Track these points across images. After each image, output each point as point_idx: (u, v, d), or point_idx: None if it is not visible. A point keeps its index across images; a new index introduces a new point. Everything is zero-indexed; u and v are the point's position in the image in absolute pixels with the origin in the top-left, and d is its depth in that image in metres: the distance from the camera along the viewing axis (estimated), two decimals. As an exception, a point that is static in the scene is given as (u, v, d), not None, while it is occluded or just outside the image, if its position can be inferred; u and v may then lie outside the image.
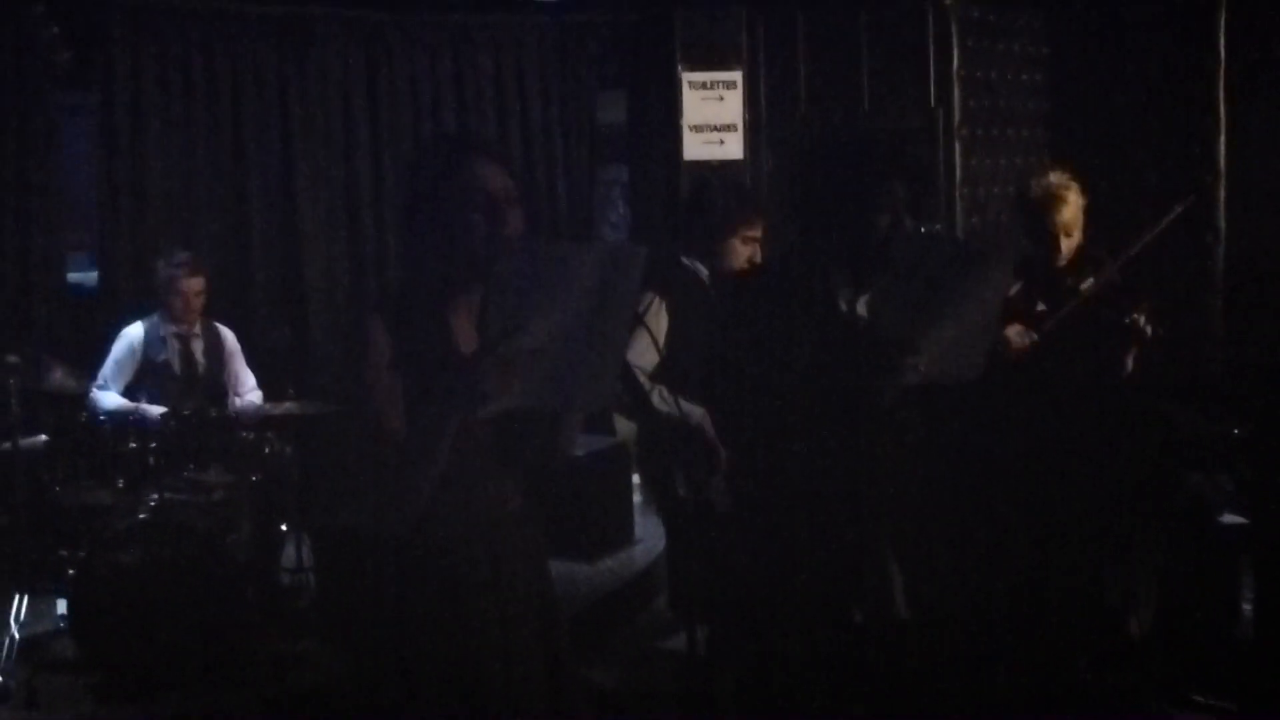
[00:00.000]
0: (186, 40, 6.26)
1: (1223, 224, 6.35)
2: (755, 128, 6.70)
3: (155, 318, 5.28)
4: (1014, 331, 3.98)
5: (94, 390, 5.14)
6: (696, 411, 3.77)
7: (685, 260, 4.08)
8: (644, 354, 3.67)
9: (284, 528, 5.00)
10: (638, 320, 2.86)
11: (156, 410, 4.93)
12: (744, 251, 4.00)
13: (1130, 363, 4.05)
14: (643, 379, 3.68)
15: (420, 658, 2.44)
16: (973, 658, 4.13)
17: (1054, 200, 4.08)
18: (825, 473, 3.27)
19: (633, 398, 3.86)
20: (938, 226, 5.82)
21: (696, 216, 4.09)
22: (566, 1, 6.61)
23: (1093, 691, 4.13)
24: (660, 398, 3.74)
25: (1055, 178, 4.15)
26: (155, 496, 4.56)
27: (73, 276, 6.39)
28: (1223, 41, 6.28)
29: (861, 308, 3.25)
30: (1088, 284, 4.00)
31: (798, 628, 3.53)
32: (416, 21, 6.73)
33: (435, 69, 6.82)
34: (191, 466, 4.70)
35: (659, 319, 3.90)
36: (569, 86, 7.06)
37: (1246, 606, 4.59)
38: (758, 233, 4.03)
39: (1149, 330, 3.93)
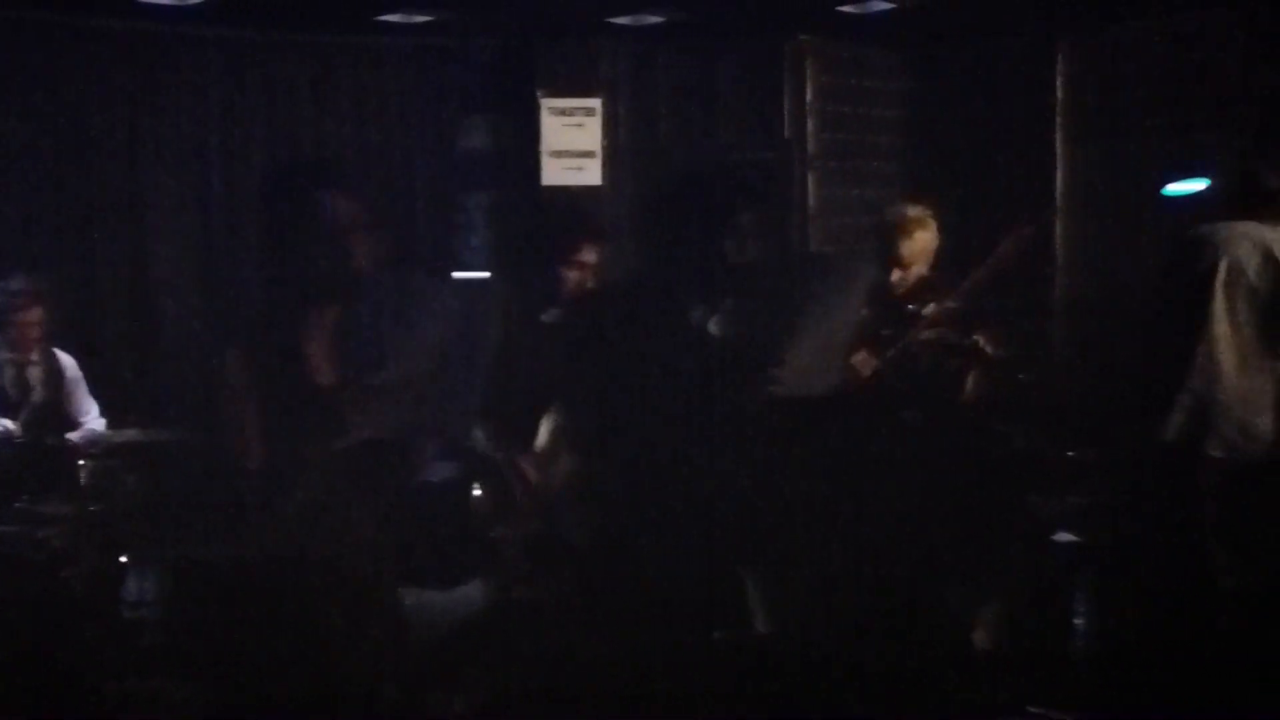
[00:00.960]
0: (30, 54, 6.07)
1: (1060, 255, 6.62)
2: (615, 155, 6.76)
3: (-9, 344, 5.12)
4: (858, 358, 4.09)
5: None
6: (518, 460, 3.75)
7: (548, 286, 4.04)
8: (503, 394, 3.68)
9: (124, 560, 4.86)
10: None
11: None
12: (572, 277, 3.98)
13: (971, 383, 4.20)
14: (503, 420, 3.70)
15: (274, 684, 2.41)
16: (825, 671, 4.22)
17: (904, 229, 4.23)
18: (680, 489, 3.33)
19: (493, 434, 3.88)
20: (789, 253, 5.95)
21: (552, 238, 4.08)
22: (427, 25, 6.58)
23: (938, 704, 4.23)
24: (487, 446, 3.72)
25: (908, 208, 4.30)
26: (-10, 528, 4.42)
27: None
28: (1060, 83, 6.57)
29: (713, 327, 3.33)
30: (930, 309, 4.14)
31: (658, 648, 3.56)
32: (270, 39, 6.62)
33: (293, 90, 6.72)
34: (26, 497, 4.56)
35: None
36: (429, 111, 7.02)
37: (1080, 621, 4.77)
38: (590, 258, 4.02)
39: (989, 350, 4.09)
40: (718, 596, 3.60)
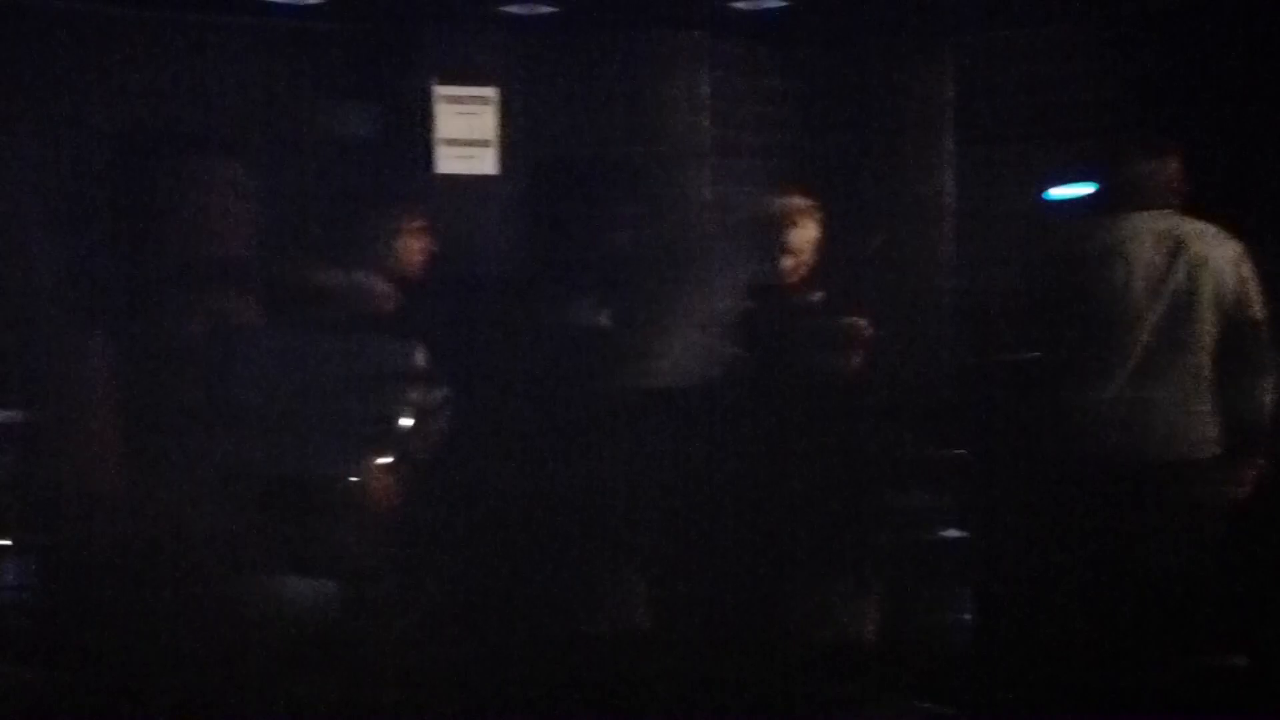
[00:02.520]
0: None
1: (950, 256, 6.76)
2: (510, 144, 6.72)
3: None
4: (739, 349, 4.11)
5: None
6: (371, 464, 3.66)
7: (362, 279, 3.92)
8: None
9: (6, 543, 4.70)
10: None
11: None
12: (415, 245, 3.88)
13: (856, 363, 4.25)
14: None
15: (148, 669, 2.36)
16: (702, 669, 4.24)
17: (787, 218, 4.27)
18: (561, 481, 3.32)
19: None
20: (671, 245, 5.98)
21: (360, 227, 3.96)
22: (313, 8, 6.46)
23: (821, 702, 4.28)
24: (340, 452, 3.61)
25: (791, 197, 4.34)
26: None
27: None
28: (952, 86, 6.71)
29: (605, 319, 3.33)
30: (815, 297, 4.19)
31: (537, 641, 3.55)
32: (150, 17, 6.44)
33: (171, 71, 6.54)
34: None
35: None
36: (315, 96, 6.90)
37: (966, 616, 4.86)
38: (423, 223, 3.93)
39: (868, 330, 4.15)
40: (585, 592, 3.60)
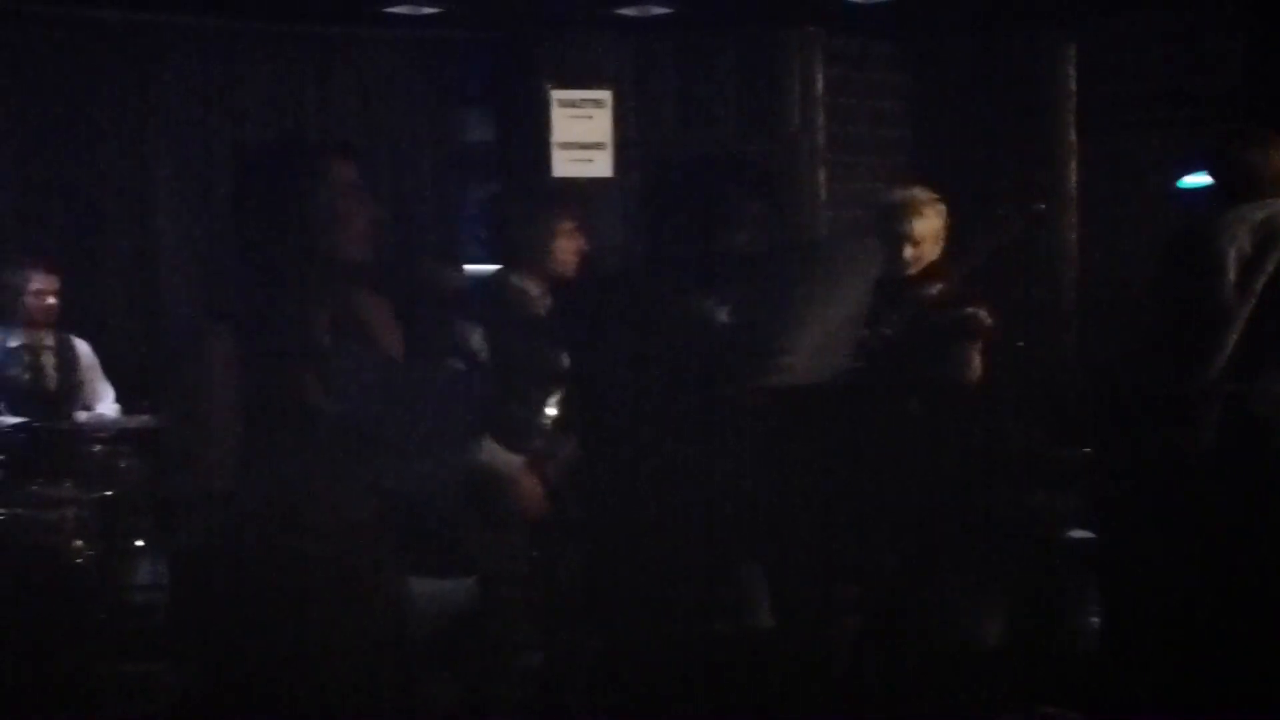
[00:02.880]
0: (38, 44, 6.09)
1: (1075, 250, 6.62)
2: (624, 146, 6.76)
3: (4, 330, 5.13)
4: (864, 344, 4.08)
5: None
6: (515, 462, 3.69)
7: (514, 281, 3.99)
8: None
9: (140, 544, 4.88)
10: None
11: (11, 420, 4.80)
12: (569, 245, 3.89)
13: (976, 361, 4.18)
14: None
15: (272, 671, 2.41)
16: (827, 669, 4.22)
17: (910, 210, 4.21)
18: (687, 478, 3.32)
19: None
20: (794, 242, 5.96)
21: (515, 228, 3.97)
22: (432, 16, 6.59)
23: (946, 704, 4.23)
24: (484, 449, 3.65)
25: (914, 189, 4.29)
26: (3, 513, 4.44)
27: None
28: (1074, 75, 6.57)
29: (721, 317, 3.32)
30: (936, 289, 4.13)
31: (660, 642, 3.56)
32: (278, 31, 6.63)
33: (298, 81, 6.73)
34: (41, 481, 4.57)
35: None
36: (435, 103, 7.03)
37: (1094, 619, 4.76)
38: (574, 225, 3.94)
39: (989, 322, 4.08)
40: (718, 590, 3.60)
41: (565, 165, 6.70)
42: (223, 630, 2.46)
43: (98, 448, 4.80)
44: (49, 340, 5.20)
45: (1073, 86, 6.58)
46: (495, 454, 3.58)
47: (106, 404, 5.30)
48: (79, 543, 4.53)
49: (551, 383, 3.72)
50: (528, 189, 4.09)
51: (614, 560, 3.47)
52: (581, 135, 6.71)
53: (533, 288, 3.87)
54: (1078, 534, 5.03)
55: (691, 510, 3.38)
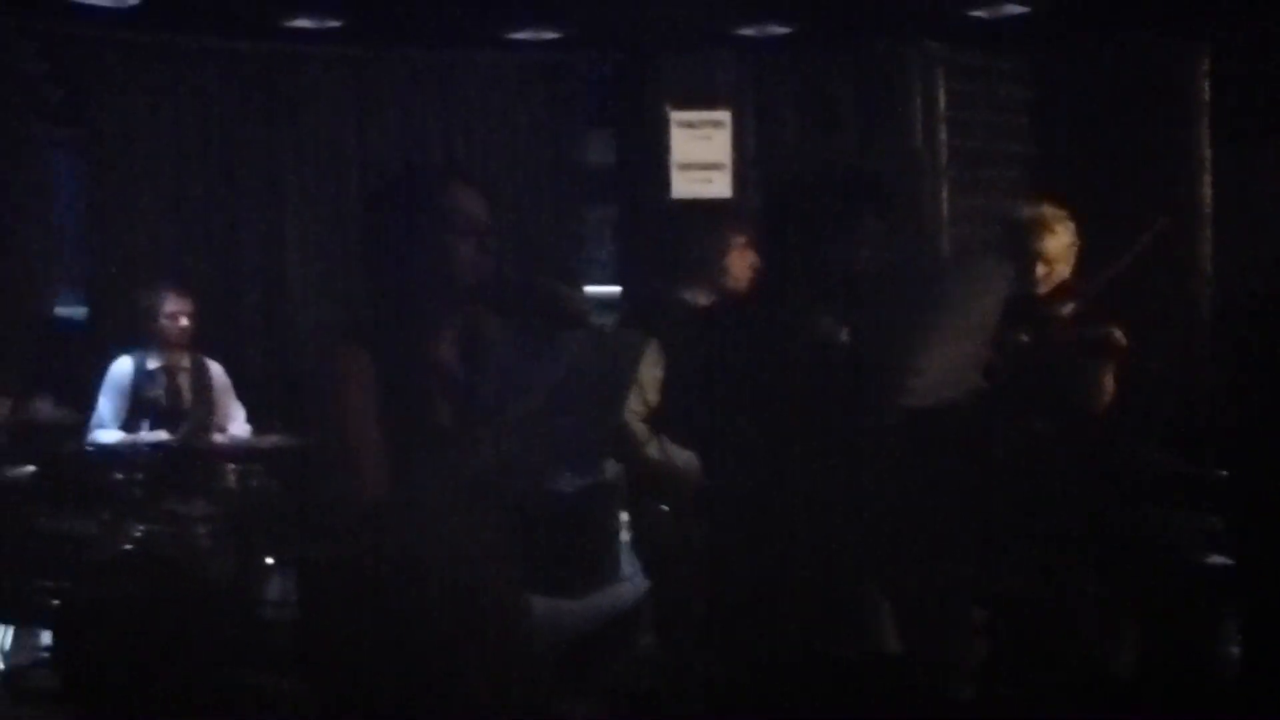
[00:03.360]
0: (176, 75, 6.30)
1: (1209, 266, 6.42)
2: (743, 166, 6.75)
3: (142, 352, 5.29)
4: (993, 364, 3.99)
5: (93, 432, 5.15)
6: (685, 456, 3.75)
7: (685, 296, 4.05)
8: (635, 405, 3.67)
9: (270, 561, 4.99)
10: (638, 372, 2.85)
11: (154, 437, 4.95)
12: (743, 262, 3.97)
13: (1109, 380, 4.06)
14: (636, 431, 3.69)
15: (396, 689, 2.43)
16: (955, 695, 4.13)
17: (1040, 227, 4.12)
18: (815, 502, 3.28)
19: (626, 452, 3.87)
20: (921, 259, 5.87)
21: (689, 244, 4.06)
22: (553, 41, 6.66)
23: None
24: (657, 449, 3.72)
25: (1043, 206, 4.19)
26: (140, 528, 4.56)
27: (60, 311, 6.38)
28: (1208, 85, 6.38)
29: (844, 336, 3.27)
30: (1068, 308, 4.03)
31: (787, 666, 3.52)
32: (404, 59, 6.77)
33: (423, 107, 6.85)
34: (175, 499, 4.70)
35: (654, 366, 3.88)
36: (556, 125, 7.10)
37: (1234, 649, 4.58)
38: (747, 241, 4.01)
39: (1123, 341, 3.95)
40: (847, 612, 3.54)
41: (684, 186, 6.70)
42: (353, 645, 2.49)
43: (230, 467, 4.91)
44: (184, 362, 5.34)
45: (1206, 96, 6.39)
46: (669, 449, 3.61)
47: (238, 424, 5.42)
48: (212, 559, 4.64)
49: (682, 400, 3.72)
50: (708, 208, 4.18)
51: (737, 580, 3.44)
52: (701, 156, 6.71)
53: (703, 302, 3.94)
54: (1216, 559, 4.86)
55: (817, 531, 3.33)
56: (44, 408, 4.79)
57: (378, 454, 2.34)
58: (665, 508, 4.07)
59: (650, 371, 3.83)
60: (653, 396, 3.58)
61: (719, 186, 6.71)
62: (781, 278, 3.27)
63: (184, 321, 5.27)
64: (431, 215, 2.44)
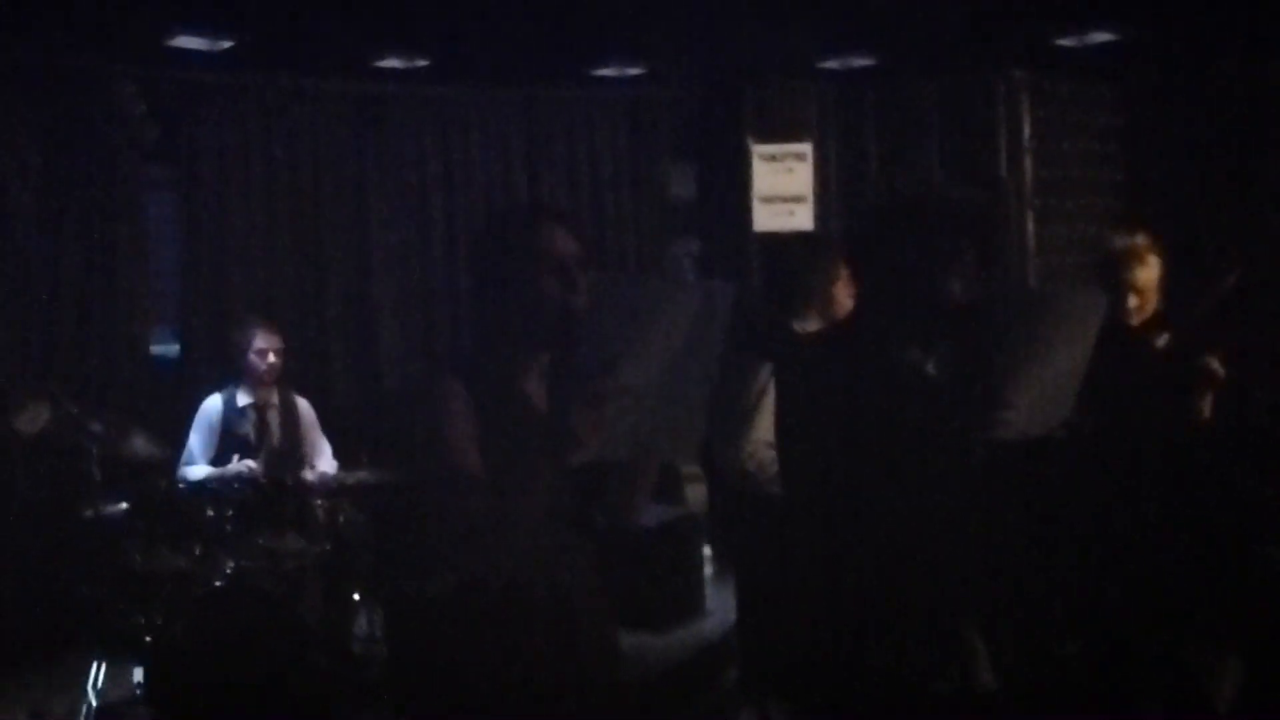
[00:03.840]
0: (267, 117, 6.42)
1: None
2: (825, 199, 6.72)
3: (232, 388, 5.37)
4: (1087, 396, 3.92)
5: (183, 468, 5.23)
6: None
7: (796, 326, 4.03)
8: (763, 446, 3.67)
9: (356, 596, 5.01)
10: (758, 400, 2.82)
11: (242, 466, 5.02)
12: (845, 295, 3.96)
13: (1207, 409, 3.96)
14: (766, 460, 3.69)
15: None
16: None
17: (1133, 258, 4.04)
18: (908, 538, 3.23)
19: (753, 481, 3.85)
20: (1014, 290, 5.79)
21: (789, 277, 4.06)
22: (637, 76, 6.69)
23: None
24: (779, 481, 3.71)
25: (1137, 236, 4.12)
26: (231, 564, 4.60)
27: (155, 349, 6.51)
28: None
29: (931, 368, 3.22)
30: (1163, 340, 3.95)
31: (877, 702, 3.46)
32: (489, 96, 6.84)
33: (509, 143, 6.92)
34: (267, 534, 4.73)
35: (768, 395, 3.86)
36: (640, 159, 7.13)
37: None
38: (850, 273, 4.01)
39: (1221, 372, 3.86)
40: (939, 649, 3.47)
41: (767, 219, 6.69)
42: (445, 678, 2.50)
43: (319, 502, 4.95)
44: (273, 398, 5.41)
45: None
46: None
47: (325, 460, 5.48)
48: (301, 593, 4.67)
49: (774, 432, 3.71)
50: (815, 239, 4.18)
51: (828, 617, 3.39)
52: (782, 188, 6.69)
53: (809, 330, 3.95)
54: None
55: (910, 567, 3.28)
56: (137, 443, 4.86)
57: (481, 482, 2.35)
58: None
59: (768, 400, 3.81)
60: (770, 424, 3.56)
61: (801, 219, 6.68)
62: (876, 308, 3.23)
63: (273, 358, 5.34)
64: (522, 254, 2.47)
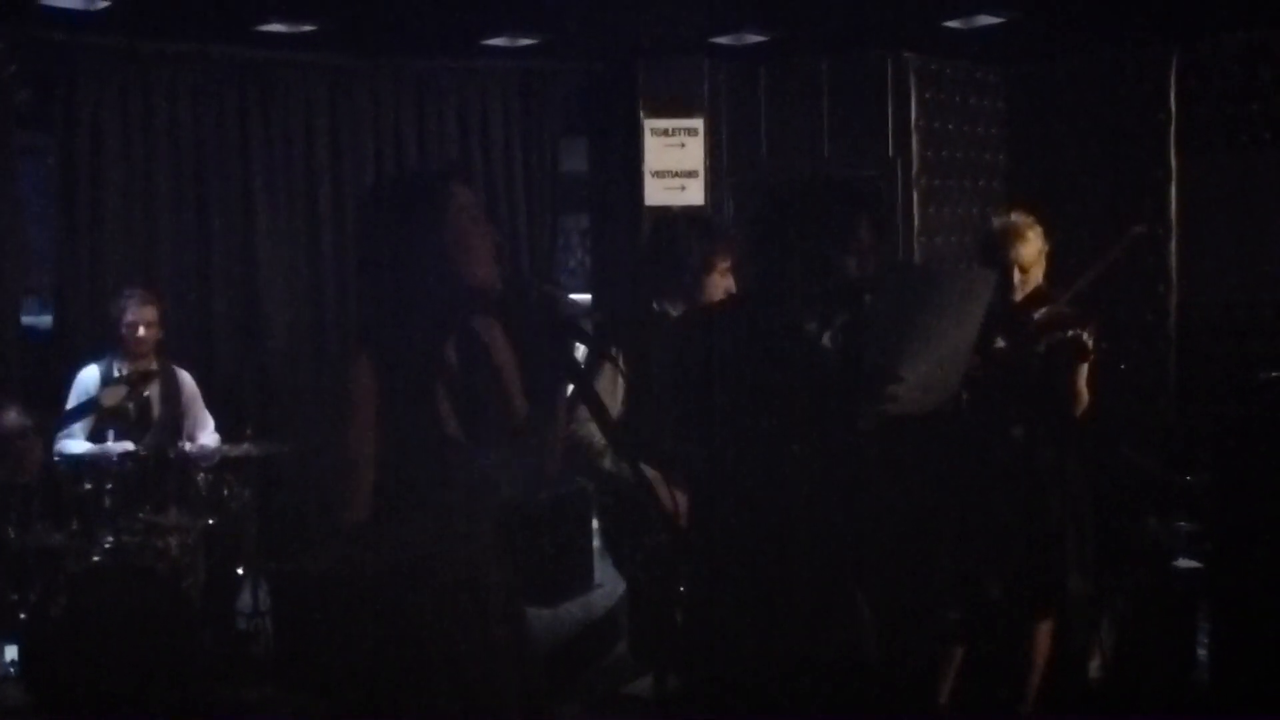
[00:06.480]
0: (147, 81, 6.23)
1: (1174, 274, 6.49)
2: (716, 174, 6.76)
3: (109, 359, 5.22)
4: (973, 371, 4.01)
5: (59, 440, 5.07)
6: (652, 475, 3.72)
7: (656, 306, 4.05)
8: (589, 424, 3.66)
9: (240, 571, 4.93)
10: (583, 388, 2.80)
11: (120, 447, 4.88)
12: (722, 284, 4.00)
13: (1082, 385, 4.09)
14: (594, 448, 3.71)
15: (396, 696, 2.39)
16: (931, 697, 4.14)
17: (1014, 236, 4.15)
18: (798, 508, 3.27)
19: (584, 468, 3.87)
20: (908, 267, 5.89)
21: (666, 257, 4.06)
22: (529, 48, 6.64)
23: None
24: (613, 463, 3.73)
25: (1016, 215, 4.23)
26: (110, 539, 4.50)
27: (26, 319, 6.30)
28: (1174, 96, 6.45)
29: (827, 341, 3.26)
30: (1041, 314, 4.06)
31: (763, 673, 3.50)
32: (379, 65, 6.73)
33: (398, 113, 6.82)
34: (147, 509, 4.64)
35: (612, 383, 3.86)
36: (531, 133, 7.08)
37: (1202, 651, 4.62)
38: (729, 264, 4.03)
39: (1091, 344, 3.99)
40: (827, 617, 3.53)
41: (658, 193, 6.71)
42: (332, 656, 2.46)
43: (201, 476, 4.86)
44: (153, 369, 5.27)
45: (1173, 108, 6.46)
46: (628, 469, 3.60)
47: (208, 433, 5.36)
48: (184, 569, 4.58)
49: (669, 407, 3.71)
50: (698, 226, 4.16)
51: (721, 585, 3.43)
52: (674, 163, 6.71)
53: (677, 313, 3.97)
54: (1186, 563, 4.90)
55: (797, 536, 3.32)
56: (10, 417, 4.71)
57: (374, 466, 2.30)
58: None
59: (610, 386, 3.82)
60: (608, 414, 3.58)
61: (692, 194, 6.71)
62: (771, 284, 3.26)
63: (148, 329, 5.20)
64: (436, 216, 2.36)
